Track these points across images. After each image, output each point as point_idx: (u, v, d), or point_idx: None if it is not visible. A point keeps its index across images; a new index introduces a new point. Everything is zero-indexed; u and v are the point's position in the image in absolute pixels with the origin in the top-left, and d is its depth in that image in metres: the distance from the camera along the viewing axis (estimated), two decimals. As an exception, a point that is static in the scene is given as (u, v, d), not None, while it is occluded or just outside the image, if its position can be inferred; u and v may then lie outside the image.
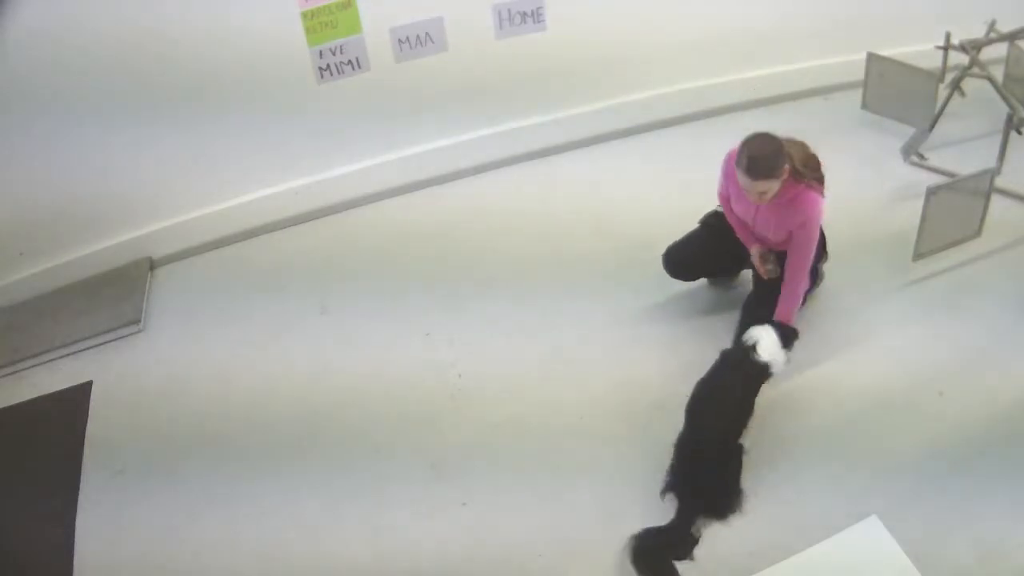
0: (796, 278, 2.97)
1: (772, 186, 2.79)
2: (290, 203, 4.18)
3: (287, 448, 3.07)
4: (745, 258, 3.21)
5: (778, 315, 2.96)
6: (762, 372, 2.78)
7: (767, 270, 3.09)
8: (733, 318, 3.19)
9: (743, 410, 2.76)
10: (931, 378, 3.01)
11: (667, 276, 3.34)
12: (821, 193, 2.89)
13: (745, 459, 2.74)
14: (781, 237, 3.01)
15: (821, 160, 2.93)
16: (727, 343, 2.96)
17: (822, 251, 3.23)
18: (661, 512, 2.68)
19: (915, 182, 3.76)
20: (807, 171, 2.86)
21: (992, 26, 4.00)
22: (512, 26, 4.10)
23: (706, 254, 3.28)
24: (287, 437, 3.11)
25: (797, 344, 2.92)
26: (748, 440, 2.79)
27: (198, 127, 3.86)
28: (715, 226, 3.25)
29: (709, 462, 2.67)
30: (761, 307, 3.05)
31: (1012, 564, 2.45)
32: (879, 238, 3.62)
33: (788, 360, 2.87)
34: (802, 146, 2.90)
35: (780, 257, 3.08)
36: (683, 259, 3.30)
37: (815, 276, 3.27)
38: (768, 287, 3.09)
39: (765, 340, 2.80)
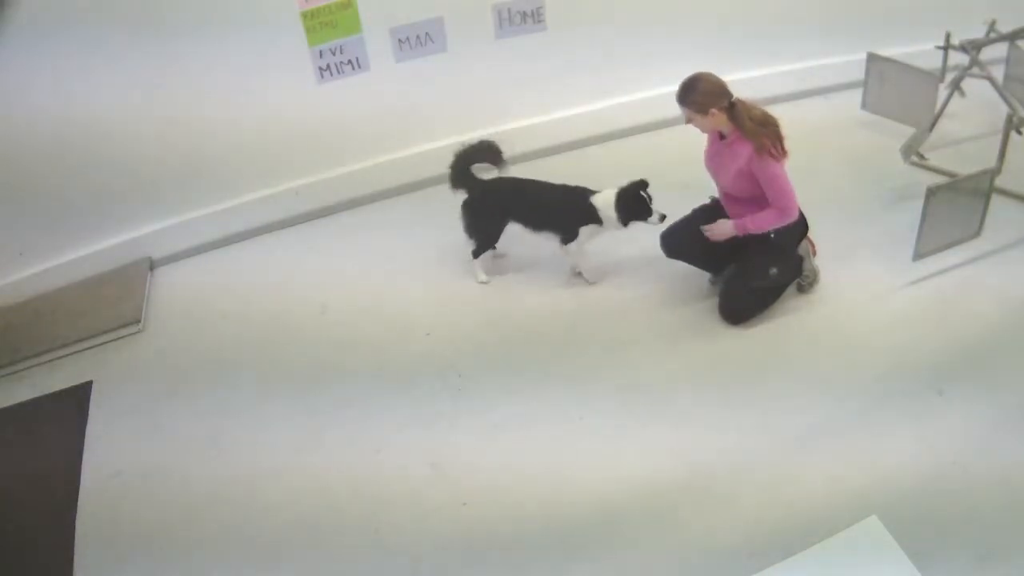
0: (766, 215, 3.12)
1: (695, 118, 3.07)
2: (290, 203, 4.18)
3: (287, 447, 3.07)
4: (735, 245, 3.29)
5: (741, 222, 3.15)
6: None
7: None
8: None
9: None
10: (931, 378, 3.02)
11: (671, 278, 3.37)
12: (762, 146, 2.98)
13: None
14: (732, 182, 3.16)
15: (782, 127, 3.05)
16: (731, 349, 2.95)
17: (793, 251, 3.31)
18: (660, 514, 2.69)
19: (915, 182, 3.76)
20: (753, 124, 3.00)
21: (992, 26, 4.00)
22: (512, 26, 4.10)
23: (696, 232, 3.34)
24: (287, 437, 3.11)
25: (796, 340, 2.97)
26: (748, 437, 2.83)
27: (198, 126, 3.87)
28: (707, 207, 3.40)
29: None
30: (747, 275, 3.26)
31: (1012, 564, 2.45)
32: (879, 238, 3.63)
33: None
34: (763, 112, 3.06)
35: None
36: (676, 237, 3.41)
37: (799, 272, 3.36)
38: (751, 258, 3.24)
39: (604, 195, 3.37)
